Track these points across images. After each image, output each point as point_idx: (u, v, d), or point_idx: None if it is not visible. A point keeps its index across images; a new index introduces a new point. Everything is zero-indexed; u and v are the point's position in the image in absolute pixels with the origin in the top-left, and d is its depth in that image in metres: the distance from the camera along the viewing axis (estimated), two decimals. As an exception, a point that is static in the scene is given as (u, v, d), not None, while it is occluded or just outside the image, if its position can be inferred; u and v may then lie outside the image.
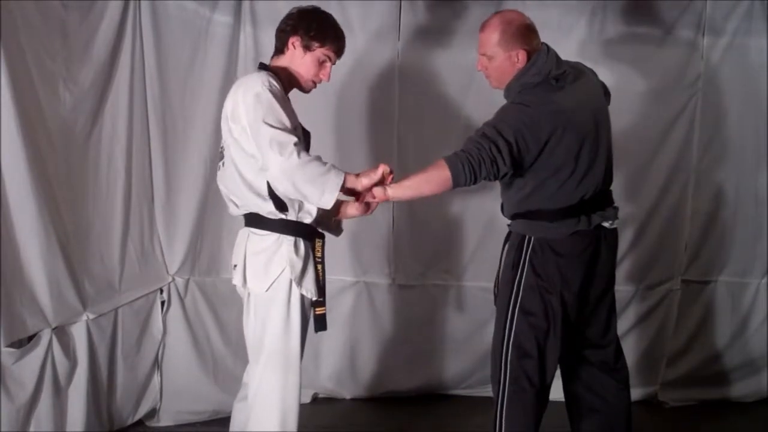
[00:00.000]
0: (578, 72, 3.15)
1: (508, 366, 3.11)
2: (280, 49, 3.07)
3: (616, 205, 3.24)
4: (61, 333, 3.43)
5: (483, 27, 3.13)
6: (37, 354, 3.31)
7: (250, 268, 3.00)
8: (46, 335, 3.34)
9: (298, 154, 2.76)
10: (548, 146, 2.95)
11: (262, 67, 3.10)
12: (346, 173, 2.85)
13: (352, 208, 3.11)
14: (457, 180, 2.89)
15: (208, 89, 3.97)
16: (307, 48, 3.00)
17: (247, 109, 2.83)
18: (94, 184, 3.64)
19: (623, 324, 4.36)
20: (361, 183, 2.88)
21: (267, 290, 2.95)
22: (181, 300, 4.13)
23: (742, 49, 4.28)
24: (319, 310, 3.05)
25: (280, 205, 2.94)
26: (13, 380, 3.21)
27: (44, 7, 3.26)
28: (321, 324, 3.07)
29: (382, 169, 2.89)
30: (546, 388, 3.17)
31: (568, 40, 4.04)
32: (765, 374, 4.58)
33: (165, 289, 4.08)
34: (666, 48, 4.25)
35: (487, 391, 3.34)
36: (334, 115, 4.19)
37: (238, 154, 2.93)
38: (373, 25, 4.16)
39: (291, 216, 2.96)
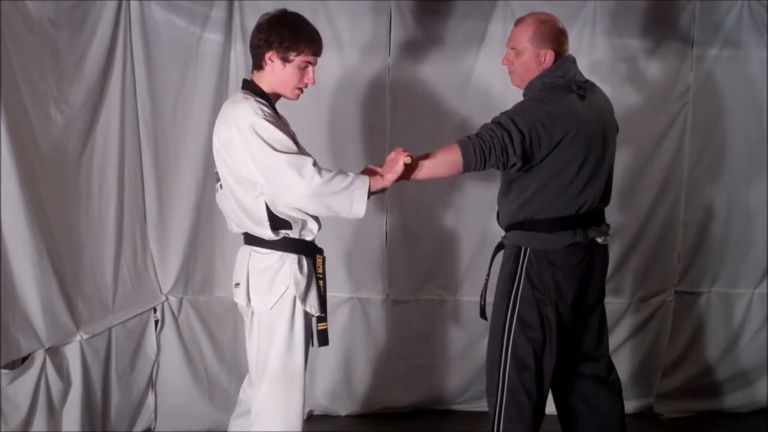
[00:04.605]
0: (596, 89, 3.20)
1: (506, 379, 3.11)
2: (258, 66, 3.00)
3: (608, 222, 3.27)
4: (55, 354, 3.41)
5: (518, 22, 3.17)
6: (30, 375, 3.29)
7: (254, 286, 2.98)
8: (39, 356, 3.32)
9: (319, 172, 2.76)
10: (559, 147, 2.98)
11: (246, 85, 3.05)
12: (370, 177, 2.85)
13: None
14: (468, 164, 2.91)
15: (199, 107, 3.97)
16: (285, 60, 2.93)
17: (246, 141, 2.80)
18: (87, 204, 3.63)
19: (618, 336, 4.38)
20: (389, 180, 2.88)
21: (271, 308, 2.94)
22: (175, 319, 4.13)
23: (732, 60, 4.30)
24: (321, 326, 3.04)
25: (276, 227, 2.92)
26: (7, 402, 3.19)
27: (34, 27, 3.25)
28: (324, 339, 3.06)
29: (403, 159, 2.86)
30: (543, 400, 3.17)
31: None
32: (760, 384, 4.58)
33: (158, 308, 4.08)
34: (655, 60, 4.27)
35: (484, 406, 3.32)
36: (326, 129, 4.20)
37: (235, 182, 2.92)
38: (363, 39, 4.17)
39: (294, 234, 2.95)
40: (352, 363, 4.45)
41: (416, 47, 4.22)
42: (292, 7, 3.02)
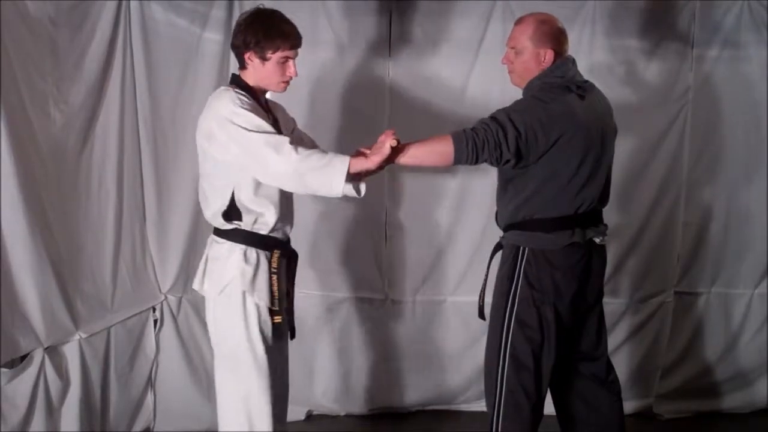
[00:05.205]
0: (595, 89, 3.20)
1: (505, 378, 3.12)
2: (241, 65, 3.03)
3: (605, 223, 3.27)
4: (54, 353, 3.41)
5: (518, 21, 3.17)
6: (29, 374, 3.29)
7: (207, 273, 3.05)
8: (38, 355, 3.33)
9: (296, 150, 2.77)
10: (556, 145, 2.97)
11: (233, 79, 3.07)
12: (351, 157, 2.83)
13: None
14: (459, 156, 2.91)
15: (198, 107, 3.88)
16: (263, 59, 2.95)
17: (224, 128, 2.84)
18: (86, 203, 3.63)
19: (618, 336, 4.38)
20: (373, 162, 2.85)
21: (219, 294, 2.99)
22: (174, 318, 4.13)
23: (732, 61, 4.30)
24: (276, 319, 3.05)
25: (229, 218, 2.97)
26: (5, 401, 3.19)
27: (34, 27, 3.25)
28: (277, 332, 3.08)
29: (390, 142, 2.83)
30: (541, 400, 3.17)
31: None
32: (759, 385, 4.58)
33: (158, 307, 4.08)
34: (655, 60, 4.27)
35: (483, 406, 3.32)
36: (326, 129, 4.17)
37: (211, 167, 2.97)
38: (363, 39, 4.18)
39: (245, 226, 2.99)
40: (351, 363, 4.46)
41: (416, 47, 4.22)
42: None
